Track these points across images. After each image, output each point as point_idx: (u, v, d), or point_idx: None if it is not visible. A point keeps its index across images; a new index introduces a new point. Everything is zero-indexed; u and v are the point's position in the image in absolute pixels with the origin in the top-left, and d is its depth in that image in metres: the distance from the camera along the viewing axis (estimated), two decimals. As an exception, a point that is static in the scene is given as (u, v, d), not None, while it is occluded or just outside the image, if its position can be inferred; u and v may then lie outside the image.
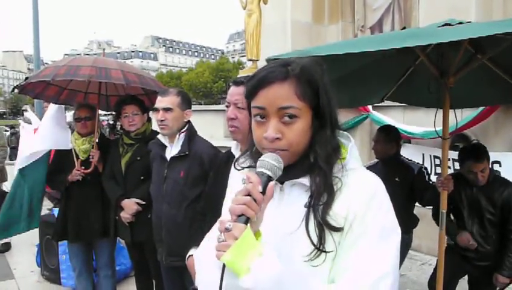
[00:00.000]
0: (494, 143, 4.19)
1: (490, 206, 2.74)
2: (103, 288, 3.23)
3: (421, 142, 4.69)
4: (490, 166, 3.00)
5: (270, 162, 0.87)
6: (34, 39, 7.95)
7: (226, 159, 1.88)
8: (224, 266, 0.78)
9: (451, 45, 1.74)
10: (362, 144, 5.33)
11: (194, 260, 1.13)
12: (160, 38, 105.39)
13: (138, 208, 2.73)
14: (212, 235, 0.99)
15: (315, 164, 0.92)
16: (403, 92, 3.08)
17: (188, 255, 1.88)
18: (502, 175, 3.48)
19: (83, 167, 3.02)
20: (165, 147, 2.43)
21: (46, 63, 20.47)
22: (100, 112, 3.45)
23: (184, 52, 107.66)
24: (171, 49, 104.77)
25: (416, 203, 3.24)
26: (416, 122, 4.74)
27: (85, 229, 3.05)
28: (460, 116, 3.84)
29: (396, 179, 3.09)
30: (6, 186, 5.69)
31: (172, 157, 2.37)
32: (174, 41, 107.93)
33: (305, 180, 0.94)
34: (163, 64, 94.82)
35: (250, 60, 7.12)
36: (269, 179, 0.86)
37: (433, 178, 3.82)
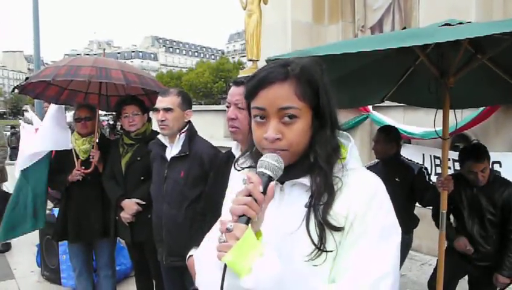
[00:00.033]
0: (495, 143, 4.19)
1: (490, 206, 2.74)
2: (103, 288, 3.24)
3: (421, 142, 4.68)
4: (490, 166, 3.00)
5: (271, 162, 0.87)
6: (34, 39, 7.93)
7: (226, 159, 1.88)
8: (225, 266, 0.78)
9: (451, 45, 1.74)
10: (362, 144, 5.33)
11: (194, 260, 1.12)
12: (160, 38, 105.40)
13: (138, 208, 2.73)
14: (213, 236, 0.99)
15: (315, 164, 0.92)
16: (403, 92, 3.08)
17: (188, 256, 1.88)
18: (502, 175, 3.47)
19: (83, 167, 3.02)
20: (165, 147, 2.43)
21: (46, 63, 20.52)
22: (100, 112, 3.45)
23: (184, 52, 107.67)
24: (171, 49, 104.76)
25: (417, 204, 3.24)
26: (416, 122, 4.74)
27: (85, 229, 3.05)
28: (460, 117, 3.84)
29: (397, 179, 3.09)
30: (7, 186, 5.69)
31: (172, 158, 2.37)
32: (174, 41, 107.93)
33: (306, 180, 0.94)
34: (163, 65, 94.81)
35: (251, 60, 7.12)
36: (270, 179, 0.85)
37: (434, 178, 3.81)
